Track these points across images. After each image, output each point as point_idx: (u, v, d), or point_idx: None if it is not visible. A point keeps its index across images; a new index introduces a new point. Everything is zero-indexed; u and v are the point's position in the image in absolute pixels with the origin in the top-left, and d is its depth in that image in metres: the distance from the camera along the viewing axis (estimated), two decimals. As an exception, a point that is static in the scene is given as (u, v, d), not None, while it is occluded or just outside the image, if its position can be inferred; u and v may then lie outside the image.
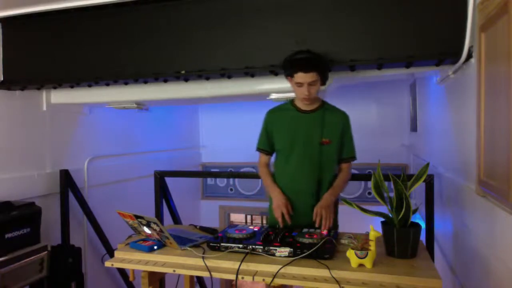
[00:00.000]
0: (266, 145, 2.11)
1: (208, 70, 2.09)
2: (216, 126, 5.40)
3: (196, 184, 5.42)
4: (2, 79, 2.46)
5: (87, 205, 3.02)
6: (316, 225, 1.86)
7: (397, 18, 1.80)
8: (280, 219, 1.96)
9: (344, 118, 2.04)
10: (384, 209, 1.70)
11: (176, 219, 3.17)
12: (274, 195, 2.01)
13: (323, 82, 1.93)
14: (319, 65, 1.85)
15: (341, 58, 1.88)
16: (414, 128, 3.95)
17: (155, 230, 1.78)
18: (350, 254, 1.53)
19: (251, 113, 5.03)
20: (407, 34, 1.79)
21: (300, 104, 2.02)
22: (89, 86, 2.45)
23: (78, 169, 3.03)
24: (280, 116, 2.07)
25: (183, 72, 2.13)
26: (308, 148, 2.00)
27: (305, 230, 1.83)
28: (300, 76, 1.86)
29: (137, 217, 1.77)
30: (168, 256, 1.73)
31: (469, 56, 1.66)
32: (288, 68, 1.90)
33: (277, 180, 2.08)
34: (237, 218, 5.93)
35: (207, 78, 2.20)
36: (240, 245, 1.69)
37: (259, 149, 2.14)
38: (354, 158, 2.08)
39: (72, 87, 2.51)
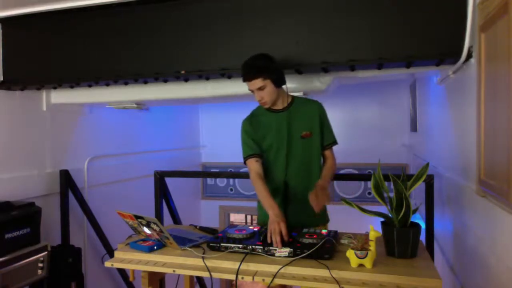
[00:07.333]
0: (256, 149, 1.99)
1: (208, 70, 2.09)
2: (216, 126, 5.40)
3: (196, 184, 5.42)
4: (2, 79, 2.46)
5: (87, 205, 3.02)
6: (313, 206, 1.77)
7: (397, 18, 1.80)
8: (275, 238, 1.66)
9: (319, 107, 2.00)
10: (384, 209, 1.70)
11: (176, 219, 3.17)
12: (272, 212, 1.77)
13: (278, 84, 1.87)
14: (258, 72, 1.80)
15: (341, 58, 1.88)
16: (414, 128, 3.95)
17: (155, 230, 1.78)
18: (350, 254, 1.52)
19: (251, 113, 5.05)
20: (407, 34, 1.79)
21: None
22: (89, 86, 2.46)
23: (78, 169, 3.03)
24: (257, 121, 2.03)
25: (183, 72, 2.13)
26: (293, 145, 1.98)
27: (305, 230, 1.83)
28: (247, 84, 1.86)
29: (137, 217, 1.77)
30: (168, 256, 1.73)
31: (469, 56, 1.66)
32: None
33: (269, 183, 1.97)
34: (237, 218, 5.94)
35: (207, 78, 2.20)
36: (240, 245, 1.69)
37: (248, 156, 1.98)
38: (335, 142, 2.05)
39: (72, 87, 2.51)
